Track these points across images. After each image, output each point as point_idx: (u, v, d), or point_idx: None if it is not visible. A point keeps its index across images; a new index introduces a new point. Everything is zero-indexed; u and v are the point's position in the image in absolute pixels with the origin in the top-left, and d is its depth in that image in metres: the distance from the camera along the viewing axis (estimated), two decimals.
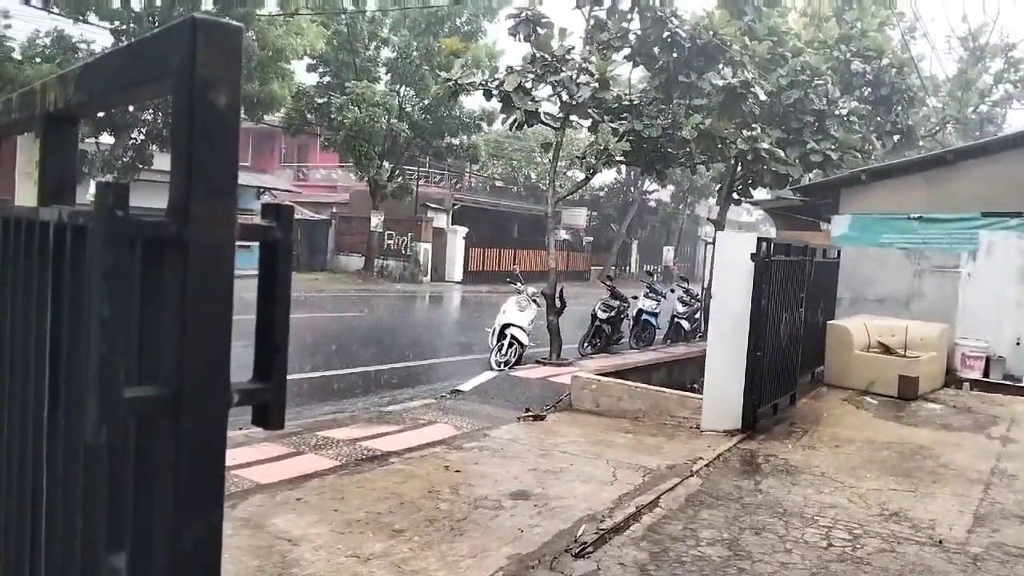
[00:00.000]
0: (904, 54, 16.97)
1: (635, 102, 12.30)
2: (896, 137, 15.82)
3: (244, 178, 23.82)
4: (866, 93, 15.32)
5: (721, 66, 11.91)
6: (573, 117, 11.77)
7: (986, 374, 10.56)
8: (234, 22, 0.82)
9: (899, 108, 15.40)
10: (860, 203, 12.56)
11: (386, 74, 28.18)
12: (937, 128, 21.11)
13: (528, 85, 10.95)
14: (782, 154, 12.03)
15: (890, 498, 5.64)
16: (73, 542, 1.03)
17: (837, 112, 13.30)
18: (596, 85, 11.02)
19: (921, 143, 18.04)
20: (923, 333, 10.11)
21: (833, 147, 12.73)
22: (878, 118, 15.21)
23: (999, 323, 10.78)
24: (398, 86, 27.55)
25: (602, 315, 13.06)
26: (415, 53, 26.56)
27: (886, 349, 9.85)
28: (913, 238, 11.91)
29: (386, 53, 28.01)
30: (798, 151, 12.78)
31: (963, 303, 11.19)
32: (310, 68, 28.06)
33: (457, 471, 5.89)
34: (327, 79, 28.40)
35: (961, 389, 10.14)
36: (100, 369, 0.79)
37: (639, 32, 12.16)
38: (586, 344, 12.90)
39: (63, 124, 1.22)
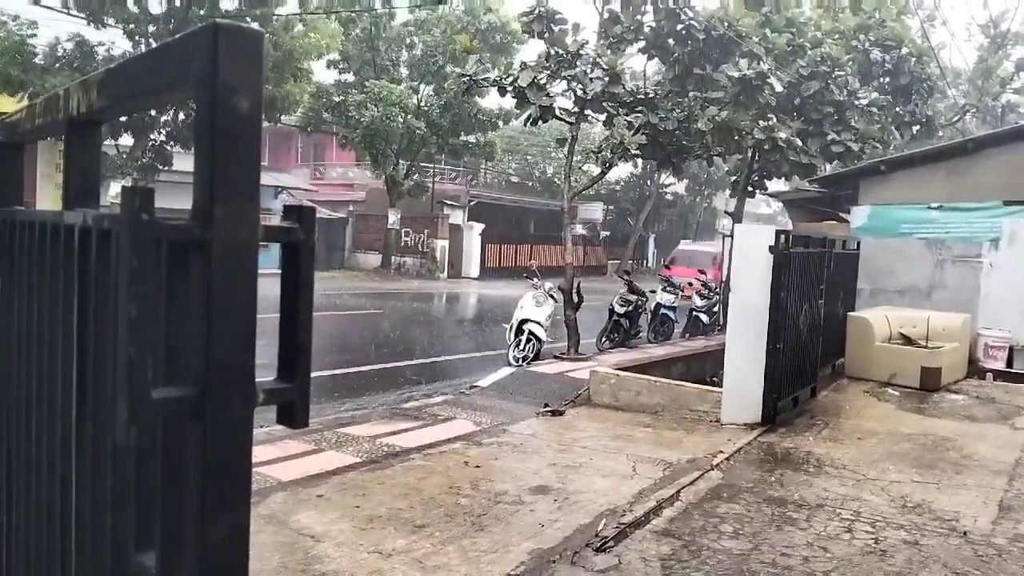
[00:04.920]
0: (923, 43, 16.81)
1: (650, 95, 12.25)
2: (916, 128, 15.67)
3: (263, 177, 23.86)
4: (885, 83, 15.18)
5: (736, 58, 11.85)
6: (588, 111, 11.75)
7: (1009, 364, 10.44)
8: (255, 27, 0.82)
9: (918, 98, 15.25)
10: (880, 193, 12.45)
11: (407, 72, 28.23)
12: (957, 117, 20.88)
13: (543, 81, 10.94)
14: (800, 143, 11.95)
15: (913, 490, 5.60)
16: (103, 541, 1.05)
17: (857, 103, 13.19)
18: (607, 79, 10.99)
19: (941, 132, 17.86)
20: (945, 324, 10.02)
21: (853, 138, 12.63)
22: (897, 109, 15.07)
23: (1022, 313, 10.66)
24: (418, 83, 27.60)
25: (620, 309, 13.03)
26: (439, 54, 26.61)
27: (907, 340, 9.76)
28: (934, 228, 11.78)
29: (411, 53, 28.03)
30: (818, 142, 12.69)
31: (985, 293, 11.07)
32: (330, 64, 28.14)
33: (477, 467, 5.91)
34: (346, 76, 28.50)
35: (984, 380, 10.04)
36: (128, 370, 0.80)
37: (653, 25, 12.11)
38: (604, 339, 12.87)
39: (86, 128, 1.23)
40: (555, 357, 10.88)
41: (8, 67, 18.59)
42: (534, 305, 11.35)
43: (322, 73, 27.36)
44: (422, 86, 27.64)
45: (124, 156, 21.64)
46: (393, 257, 29.81)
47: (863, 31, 15.52)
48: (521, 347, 10.96)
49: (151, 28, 20.22)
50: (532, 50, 12.78)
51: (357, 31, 26.63)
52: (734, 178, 16.86)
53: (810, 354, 8.39)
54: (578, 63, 10.99)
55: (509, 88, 10.99)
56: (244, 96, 0.80)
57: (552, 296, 11.67)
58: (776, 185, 16.57)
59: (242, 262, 0.82)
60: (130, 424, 0.80)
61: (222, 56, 0.78)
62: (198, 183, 0.81)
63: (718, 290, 15.31)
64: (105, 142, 20.38)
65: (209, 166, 0.80)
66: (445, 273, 30.08)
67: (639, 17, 12.25)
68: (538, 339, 11.03)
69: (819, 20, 15.82)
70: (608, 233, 39.83)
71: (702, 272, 16.48)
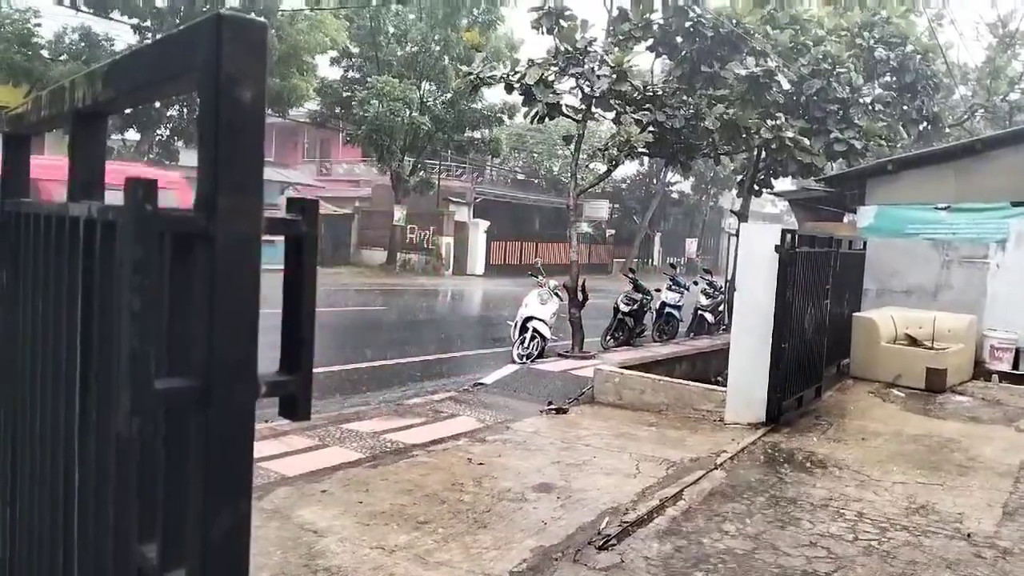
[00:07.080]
0: (930, 41, 16.71)
1: (658, 93, 12.22)
2: (922, 125, 15.60)
3: (268, 173, 23.94)
4: (890, 80, 15.12)
5: (744, 55, 11.82)
6: (595, 109, 11.72)
7: (1015, 366, 10.40)
8: (259, 18, 0.82)
9: (924, 95, 15.18)
10: (887, 193, 12.40)
11: (407, 69, 28.20)
12: (966, 116, 20.77)
13: (551, 78, 10.92)
14: (807, 143, 11.91)
15: (917, 491, 5.59)
16: (105, 533, 1.05)
17: (861, 100, 13.14)
18: (614, 77, 10.96)
19: (949, 131, 17.77)
20: (951, 325, 9.98)
21: (857, 136, 12.59)
22: (903, 106, 15.01)
23: None
24: (419, 80, 27.56)
25: (624, 308, 13.00)
26: (434, 46, 26.56)
27: (913, 341, 9.74)
28: (941, 229, 11.74)
29: (407, 47, 28.00)
30: (822, 141, 12.65)
31: (992, 294, 11.03)
32: (333, 61, 28.17)
33: (480, 464, 5.91)
34: (352, 73, 28.51)
35: (990, 381, 10.00)
36: (131, 362, 0.80)
37: (661, 22, 12.08)
38: (608, 337, 12.86)
39: (92, 120, 1.23)
40: (559, 355, 10.87)
41: (12, 55, 18.68)
42: (539, 303, 11.34)
43: (327, 69, 27.44)
44: (423, 82, 27.55)
45: (131, 151, 21.72)
46: (398, 254, 29.83)
47: (867, 28, 15.45)
48: (525, 345, 10.95)
49: (157, 24, 20.28)
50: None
51: (356, 27, 26.61)
52: (740, 177, 16.83)
53: (815, 354, 8.36)
54: (586, 60, 10.96)
55: (516, 85, 10.97)
56: (247, 87, 0.79)
57: (557, 294, 11.66)
58: (782, 184, 16.51)
59: (245, 253, 0.82)
60: (132, 415, 0.80)
61: (225, 47, 0.78)
62: (201, 174, 0.81)
63: (723, 289, 15.28)
64: (112, 137, 20.51)
65: (212, 157, 0.80)
66: (450, 270, 30.09)
67: (648, 15, 12.23)
68: (542, 337, 11.02)
69: (823, 17, 15.72)
70: (613, 231, 39.79)
71: (707, 271, 16.42)
